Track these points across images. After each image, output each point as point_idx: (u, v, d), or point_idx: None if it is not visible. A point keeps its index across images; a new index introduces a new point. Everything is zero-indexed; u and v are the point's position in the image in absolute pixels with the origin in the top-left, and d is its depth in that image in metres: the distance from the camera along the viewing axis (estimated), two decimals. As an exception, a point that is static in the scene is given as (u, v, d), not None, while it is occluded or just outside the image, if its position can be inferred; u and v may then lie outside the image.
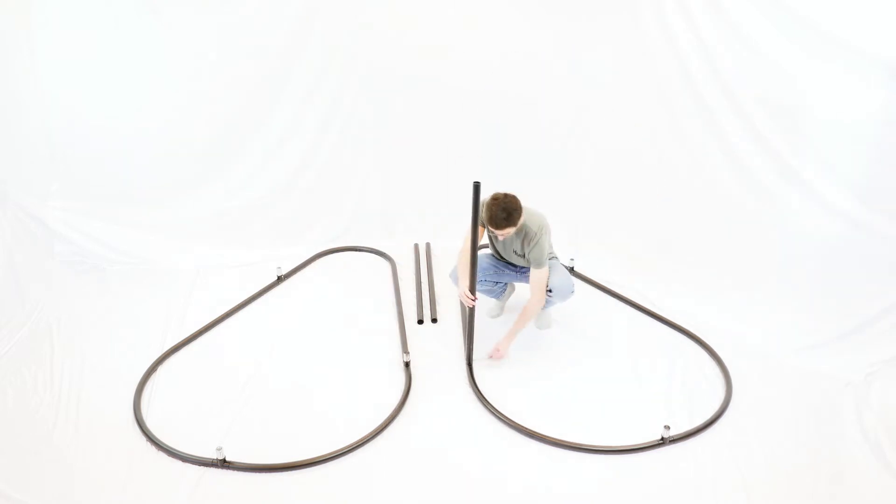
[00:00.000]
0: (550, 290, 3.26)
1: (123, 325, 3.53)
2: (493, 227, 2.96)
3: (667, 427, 2.75)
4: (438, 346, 3.42)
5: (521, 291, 3.79)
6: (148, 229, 4.24)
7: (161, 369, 3.18)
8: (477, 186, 2.74)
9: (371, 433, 2.76)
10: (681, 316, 3.58)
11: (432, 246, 4.46)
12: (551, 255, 3.37)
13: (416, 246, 4.41)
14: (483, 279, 3.42)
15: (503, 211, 2.90)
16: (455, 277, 3.31)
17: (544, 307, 3.43)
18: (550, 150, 4.30)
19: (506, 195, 2.94)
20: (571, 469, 2.64)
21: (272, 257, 4.19)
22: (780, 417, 2.91)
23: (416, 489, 2.55)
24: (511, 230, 2.97)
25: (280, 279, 4.02)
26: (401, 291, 3.88)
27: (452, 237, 4.37)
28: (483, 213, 2.97)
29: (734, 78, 3.46)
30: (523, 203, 3.01)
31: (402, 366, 3.23)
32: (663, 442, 2.74)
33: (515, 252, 3.24)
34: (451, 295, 3.91)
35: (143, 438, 2.74)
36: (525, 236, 3.09)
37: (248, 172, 4.29)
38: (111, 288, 3.88)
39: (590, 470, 2.64)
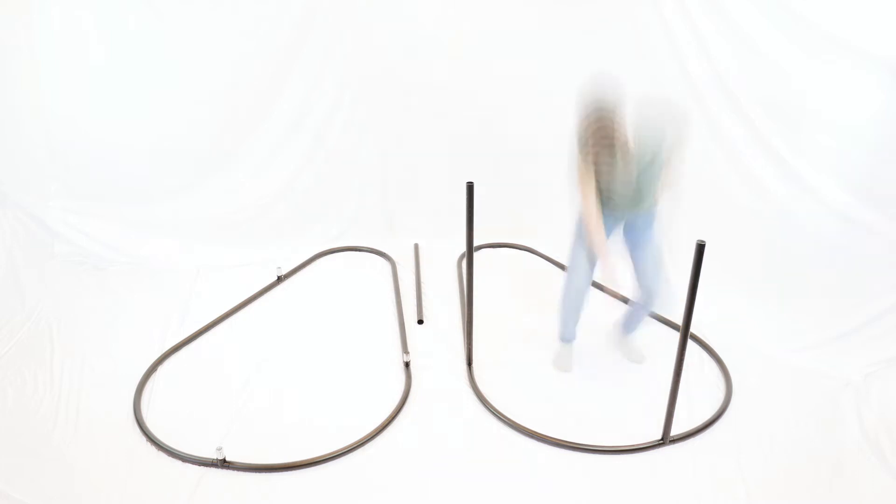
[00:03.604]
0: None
1: (123, 325, 3.53)
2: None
3: (667, 427, 2.75)
4: (438, 346, 3.42)
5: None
6: (148, 229, 4.24)
7: (161, 369, 3.18)
8: (470, 187, 2.75)
9: (371, 433, 2.76)
10: (681, 316, 3.58)
11: (433, 246, 4.45)
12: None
13: (417, 246, 4.41)
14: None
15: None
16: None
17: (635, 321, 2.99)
18: (550, 149, 4.29)
19: None
20: (571, 469, 2.64)
21: (272, 257, 4.19)
22: (780, 417, 2.91)
23: (416, 489, 2.55)
24: None
25: (280, 279, 4.02)
26: (401, 291, 3.88)
27: (452, 237, 4.38)
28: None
29: (734, 78, 3.46)
30: None
31: (402, 366, 3.23)
32: (663, 442, 2.74)
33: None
34: (450, 295, 3.91)
35: (143, 438, 2.74)
36: None
37: (249, 172, 4.29)
38: (111, 288, 3.88)
39: (590, 470, 2.64)
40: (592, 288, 3.08)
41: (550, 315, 3.70)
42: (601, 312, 3.78)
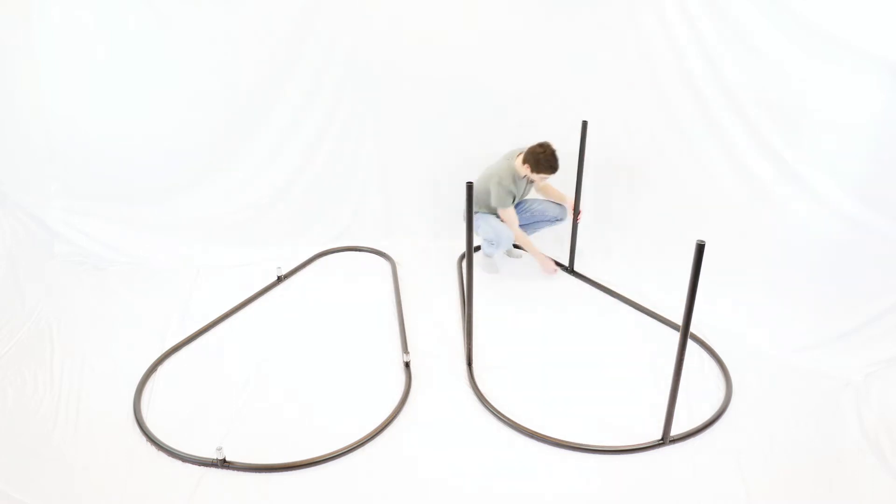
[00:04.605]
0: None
1: (123, 325, 3.53)
2: (553, 170, 3.73)
3: (667, 427, 2.75)
4: (438, 346, 3.42)
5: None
6: (148, 229, 4.24)
7: (161, 369, 3.18)
8: (470, 187, 2.76)
9: (371, 433, 2.76)
10: (680, 316, 3.58)
11: (432, 246, 4.45)
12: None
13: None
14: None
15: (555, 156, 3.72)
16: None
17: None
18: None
19: (544, 146, 3.71)
20: (571, 469, 2.64)
21: (272, 257, 4.19)
22: (780, 417, 2.91)
23: (416, 489, 2.55)
24: None
25: (280, 279, 4.02)
26: (401, 291, 3.88)
27: (453, 237, 4.39)
28: (542, 163, 3.69)
29: (734, 78, 3.46)
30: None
31: (402, 366, 3.23)
32: (663, 442, 2.74)
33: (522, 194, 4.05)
34: (450, 295, 3.91)
35: (143, 438, 2.74)
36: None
37: (249, 172, 4.29)
38: (111, 288, 3.88)
39: (590, 470, 2.64)
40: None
41: (551, 315, 3.72)
42: (600, 321, 3.79)
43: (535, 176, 3.78)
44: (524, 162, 3.77)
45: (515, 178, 3.85)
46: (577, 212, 3.99)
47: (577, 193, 3.92)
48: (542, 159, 3.70)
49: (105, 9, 3.80)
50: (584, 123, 3.71)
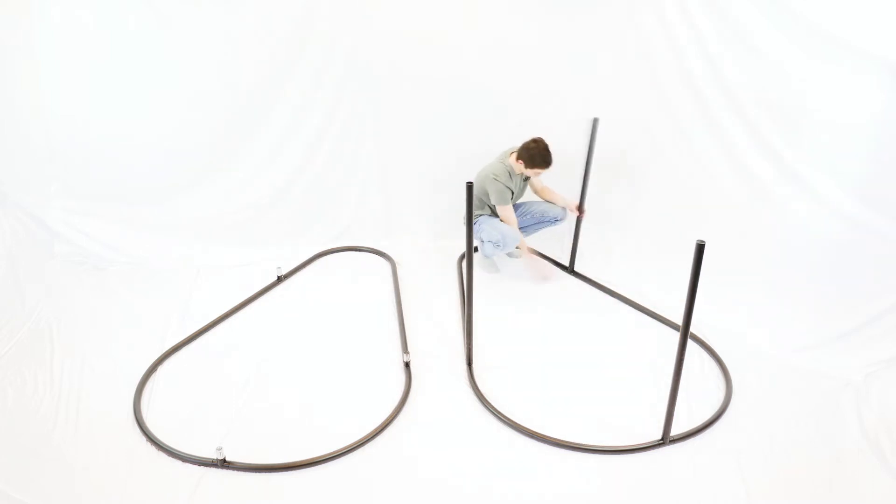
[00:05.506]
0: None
1: (123, 325, 3.53)
2: (546, 165, 3.73)
3: (667, 427, 2.75)
4: (438, 346, 3.42)
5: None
6: (148, 229, 4.24)
7: (161, 369, 3.18)
8: (470, 187, 2.76)
9: (371, 433, 2.76)
10: (680, 316, 3.58)
11: (433, 246, 4.45)
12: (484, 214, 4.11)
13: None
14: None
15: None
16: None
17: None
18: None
19: (537, 141, 3.71)
20: (571, 469, 2.64)
21: (272, 257, 4.19)
22: (780, 417, 2.91)
23: (416, 489, 2.55)
24: None
25: (280, 279, 4.02)
26: (401, 291, 3.88)
27: (453, 237, 4.39)
28: (536, 157, 3.70)
29: (734, 78, 3.46)
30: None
31: (402, 366, 3.23)
32: (663, 442, 2.74)
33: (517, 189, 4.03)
34: (450, 295, 3.91)
35: (143, 438, 2.74)
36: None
37: (249, 172, 4.29)
38: (111, 288, 3.88)
39: (590, 470, 2.64)
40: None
41: (551, 315, 3.72)
42: (600, 321, 3.79)
43: (529, 171, 3.79)
44: (518, 158, 3.79)
45: (511, 174, 3.86)
46: (581, 210, 3.99)
47: (583, 191, 3.92)
48: (536, 154, 3.71)
49: (105, 9, 3.80)
50: (595, 121, 3.70)
